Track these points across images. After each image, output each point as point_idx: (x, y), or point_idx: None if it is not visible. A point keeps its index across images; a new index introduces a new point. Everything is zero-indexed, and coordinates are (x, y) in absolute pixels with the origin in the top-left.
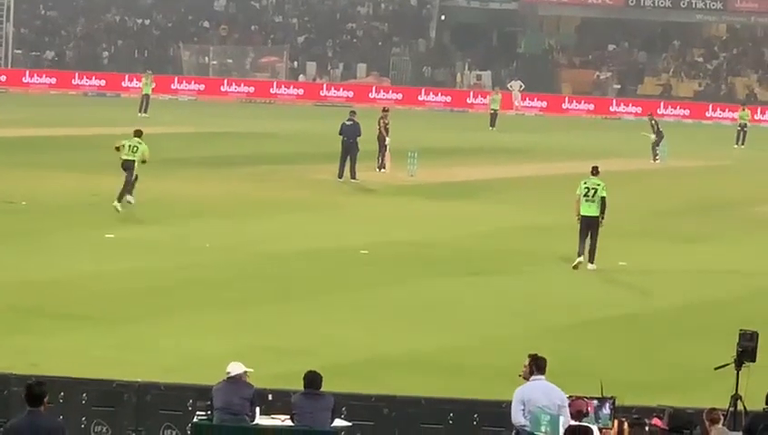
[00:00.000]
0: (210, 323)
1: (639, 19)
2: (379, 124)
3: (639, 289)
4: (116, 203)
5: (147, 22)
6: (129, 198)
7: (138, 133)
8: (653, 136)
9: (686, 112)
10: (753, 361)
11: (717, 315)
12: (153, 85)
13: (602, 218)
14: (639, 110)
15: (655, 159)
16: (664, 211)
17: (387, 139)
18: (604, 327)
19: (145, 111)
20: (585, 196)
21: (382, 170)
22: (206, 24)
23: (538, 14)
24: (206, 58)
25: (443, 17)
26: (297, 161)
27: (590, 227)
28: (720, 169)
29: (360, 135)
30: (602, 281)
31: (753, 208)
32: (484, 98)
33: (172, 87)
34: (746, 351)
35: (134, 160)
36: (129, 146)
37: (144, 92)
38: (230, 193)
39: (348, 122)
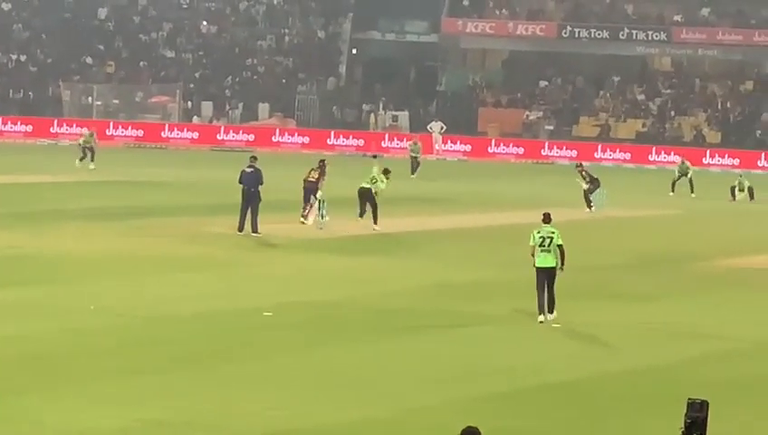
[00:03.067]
0: (96, 395)
1: (574, 52)
2: (319, 173)
3: (578, 353)
4: (376, 226)
5: (23, 58)
6: (376, 227)
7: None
8: (585, 184)
9: (627, 156)
10: (703, 434)
11: (663, 382)
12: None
13: (562, 269)
14: (574, 153)
15: (590, 208)
16: (602, 266)
17: (319, 192)
18: (538, 396)
19: (92, 160)
20: (540, 245)
21: (303, 221)
22: (90, 60)
23: (460, 47)
24: (90, 98)
25: (354, 51)
26: (192, 213)
27: (547, 278)
28: (664, 219)
29: (261, 183)
30: (536, 344)
31: (698, 264)
32: (401, 141)
33: (52, 130)
34: (695, 422)
35: (370, 189)
36: (372, 178)
37: (83, 144)
38: (116, 249)
39: (248, 169)
